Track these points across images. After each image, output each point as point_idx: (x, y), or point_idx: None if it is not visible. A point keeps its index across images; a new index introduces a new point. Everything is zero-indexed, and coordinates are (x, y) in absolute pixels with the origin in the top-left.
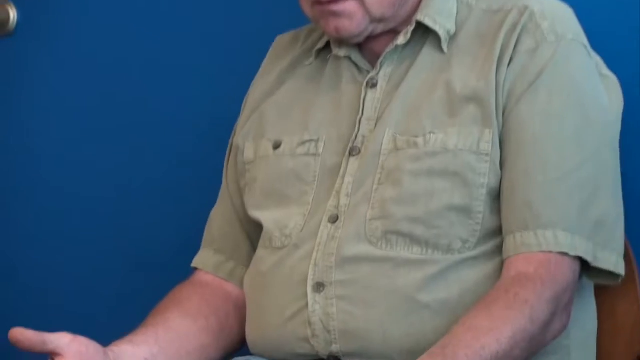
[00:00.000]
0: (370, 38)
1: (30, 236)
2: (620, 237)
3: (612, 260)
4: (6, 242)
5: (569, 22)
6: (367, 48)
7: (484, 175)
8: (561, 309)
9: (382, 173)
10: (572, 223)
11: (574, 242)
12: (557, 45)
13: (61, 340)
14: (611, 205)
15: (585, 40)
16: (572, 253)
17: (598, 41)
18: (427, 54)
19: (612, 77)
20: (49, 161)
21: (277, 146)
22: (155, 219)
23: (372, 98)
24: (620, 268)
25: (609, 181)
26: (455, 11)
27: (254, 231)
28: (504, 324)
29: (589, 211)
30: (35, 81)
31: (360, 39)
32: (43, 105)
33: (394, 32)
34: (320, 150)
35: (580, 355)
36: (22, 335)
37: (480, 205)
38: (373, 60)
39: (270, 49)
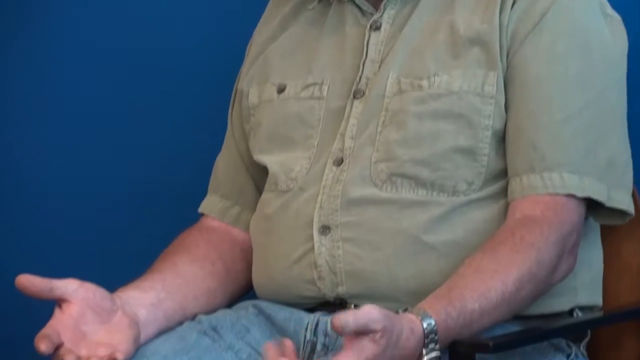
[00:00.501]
0: None
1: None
2: (630, 176)
3: (625, 199)
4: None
5: None
6: None
7: (489, 117)
8: (567, 251)
9: (386, 115)
10: (578, 164)
11: (582, 184)
12: None
13: (68, 287)
14: (620, 145)
15: None
16: (580, 194)
17: None
18: None
19: (616, 17)
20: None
21: (281, 90)
22: (161, 164)
23: (376, 41)
24: (631, 207)
25: (616, 122)
26: None
27: (259, 176)
28: (510, 267)
29: (597, 152)
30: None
31: None
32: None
33: None
34: (325, 94)
35: (587, 296)
36: (29, 281)
37: (486, 147)
38: (376, 2)
39: None
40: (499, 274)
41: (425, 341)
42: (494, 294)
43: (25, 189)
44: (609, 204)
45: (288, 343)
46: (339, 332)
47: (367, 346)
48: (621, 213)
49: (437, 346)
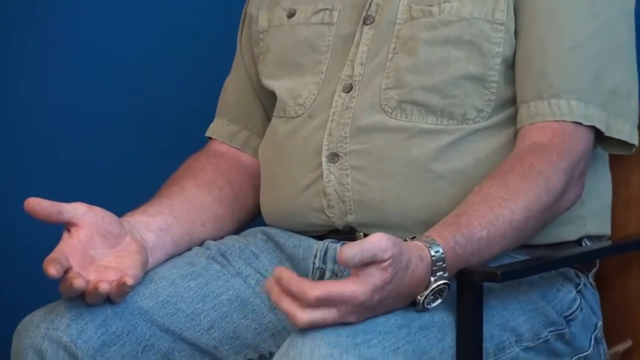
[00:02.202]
0: None
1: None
2: (635, 107)
3: (625, 130)
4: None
5: None
6: None
7: (499, 45)
8: (575, 179)
9: (397, 42)
10: (585, 92)
11: (587, 112)
12: None
13: (77, 210)
14: (625, 76)
15: None
16: (586, 123)
17: None
18: None
19: None
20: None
21: (291, 15)
22: (169, 86)
23: None
24: (634, 138)
25: (624, 52)
26: None
27: (267, 101)
28: (519, 194)
29: (603, 81)
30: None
31: None
32: None
33: None
34: (335, 19)
35: (595, 225)
36: (38, 204)
37: (495, 74)
38: None
39: None
40: (507, 201)
41: (433, 269)
42: (502, 221)
43: (27, 115)
44: (608, 133)
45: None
46: (346, 264)
47: (375, 274)
48: (626, 143)
49: (445, 274)
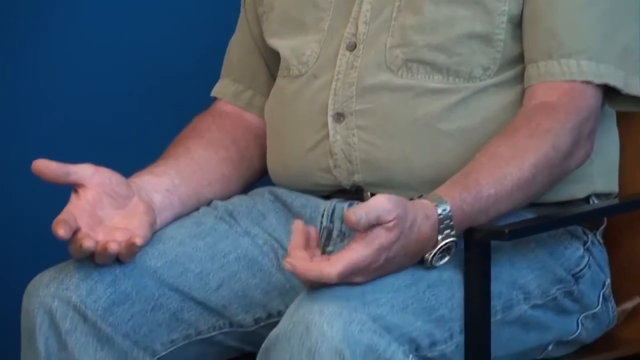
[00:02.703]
0: None
1: None
2: None
3: None
4: None
5: None
6: None
7: (505, 3)
8: (584, 138)
9: (401, 1)
10: (596, 51)
11: (599, 71)
12: None
13: (84, 172)
14: (637, 32)
15: None
16: (598, 81)
17: None
18: None
19: None
20: None
21: None
22: (174, 47)
23: None
24: None
25: (635, 9)
26: None
27: (272, 60)
28: (527, 153)
29: (615, 39)
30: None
31: None
32: None
33: None
34: None
35: (603, 183)
36: (45, 166)
37: (501, 33)
38: None
39: None
40: (515, 160)
41: (440, 227)
42: (509, 179)
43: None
44: (626, 90)
45: (313, 231)
46: (354, 227)
47: (381, 234)
48: (637, 100)
49: (453, 232)
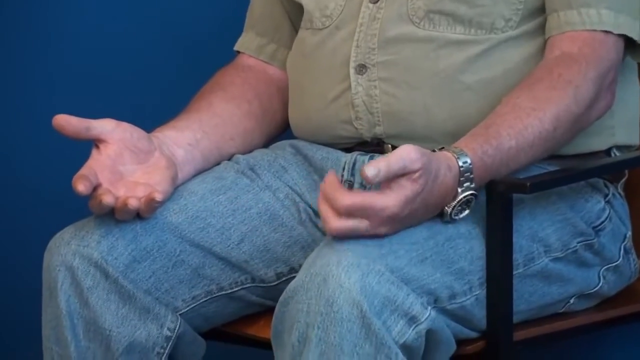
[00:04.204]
0: None
1: None
2: None
3: None
4: None
5: None
6: None
7: None
8: (605, 88)
9: None
10: (615, 1)
11: (617, 21)
12: None
13: (105, 126)
14: None
15: None
16: (616, 31)
17: None
18: None
19: None
20: None
21: None
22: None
23: None
24: None
25: None
26: None
27: (295, 13)
28: (548, 104)
29: None
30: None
31: None
32: None
33: None
34: None
35: (624, 135)
36: (66, 121)
37: None
38: None
39: None
40: (536, 111)
41: (461, 179)
42: (530, 131)
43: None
44: None
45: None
46: (370, 182)
47: (407, 185)
48: None
49: (473, 184)
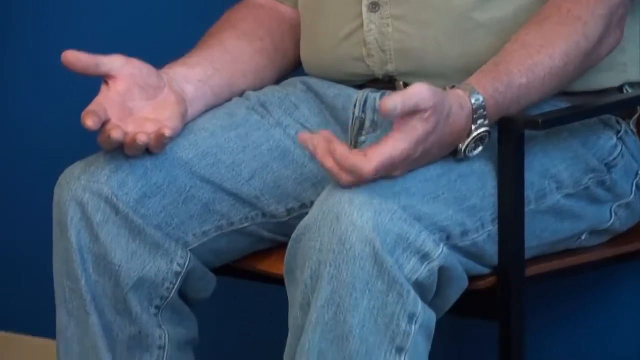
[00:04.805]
0: None
1: None
2: None
3: None
4: None
5: None
6: None
7: None
8: (615, 24)
9: None
10: None
11: None
12: None
13: (115, 63)
14: None
15: None
16: None
17: None
18: None
19: None
20: None
21: None
22: None
23: None
24: None
25: None
26: None
27: None
28: (557, 40)
29: None
30: None
31: None
32: None
33: None
34: None
35: (636, 71)
36: (75, 57)
37: None
38: None
39: None
40: (545, 48)
41: (474, 117)
42: (541, 68)
43: None
44: None
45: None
46: (388, 115)
47: (418, 126)
48: None
49: (486, 122)
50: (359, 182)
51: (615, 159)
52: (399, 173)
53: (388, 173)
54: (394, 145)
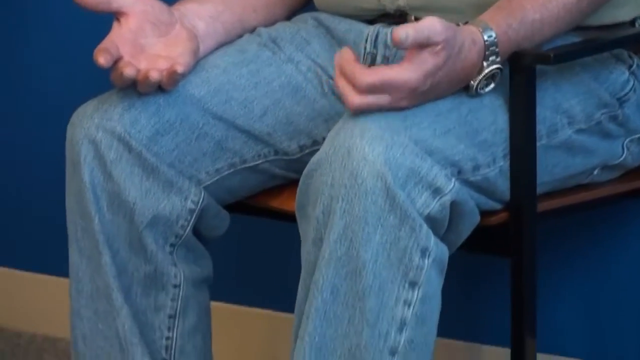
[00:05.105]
0: None
1: None
2: None
3: None
4: None
5: None
6: None
7: None
8: None
9: None
10: None
11: None
12: None
13: (126, 0)
14: None
15: None
16: None
17: None
18: None
19: None
20: None
21: None
22: None
23: None
24: None
25: None
26: None
27: None
28: None
29: None
30: None
31: None
32: None
33: None
34: None
35: None
36: None
37: None
38: None
39: None
40: None
41: (486, 53)
42: (554, 4)
43: None
44: None
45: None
46: (399, 45)
47: (428, 59)
48: None
49: (498, 58)
50: (356, 92)
51: (627, 93)
52: (406, 104)
53: (384, 97)
54: (398, 72)
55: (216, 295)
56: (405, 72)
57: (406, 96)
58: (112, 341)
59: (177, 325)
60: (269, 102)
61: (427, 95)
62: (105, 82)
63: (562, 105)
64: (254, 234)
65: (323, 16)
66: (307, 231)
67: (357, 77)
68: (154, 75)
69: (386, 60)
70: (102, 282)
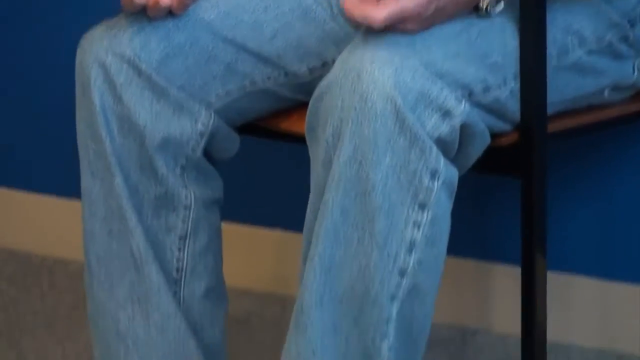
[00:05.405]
0: None
1: None
2: None
3: None
4: None
5: None
6: None
7: None
8: None
9: None
10: None
11: None
12: None
13: None
14: None
15: None
16: None
17: None
18: None
19: None
20: None
21: None
22: None
23: None
24: None
25: None
26: None
27: None
28: None
29: None
30: None
31: None
32: None
33: None
34: None
35: None
36: None
37: None
38: None
39: None
40: None
41: None
42: None
43: None
44: None
45: None
46: None
47: None
48: None
49: None
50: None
51: (638, 14)
52: (412, 27)
53: (398, 27)
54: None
55: (226, 216)
56: (406, 1)
57: (410, 21)
58: (126, 260)
59: (188, 246)
60: (278, 25)
61: (433, 19)
62: (115, 6)
63: (572, 26)
64: (264, 156)
65: None
66: (316, 153)
67: (369, 17)
68: (165, 1)
69: None
70: (115, 204)
